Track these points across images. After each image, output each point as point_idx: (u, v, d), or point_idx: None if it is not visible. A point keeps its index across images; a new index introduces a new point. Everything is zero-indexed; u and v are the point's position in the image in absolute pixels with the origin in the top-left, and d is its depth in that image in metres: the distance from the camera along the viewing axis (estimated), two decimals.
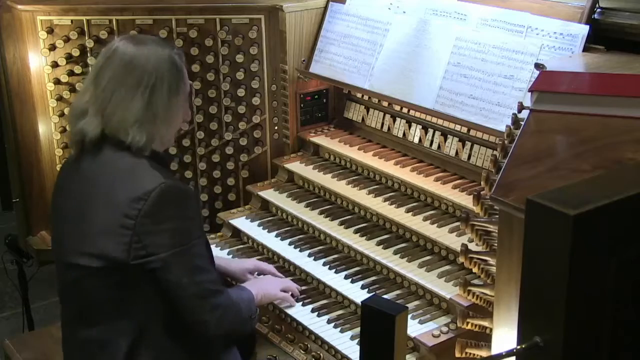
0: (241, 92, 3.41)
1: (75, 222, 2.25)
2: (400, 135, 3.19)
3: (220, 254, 3.03)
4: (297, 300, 2.72)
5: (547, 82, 2.21)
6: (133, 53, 2.23)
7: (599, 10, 2.68)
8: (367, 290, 2.66)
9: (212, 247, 3.06)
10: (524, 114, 2.11)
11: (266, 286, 2.66)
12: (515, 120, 2.17)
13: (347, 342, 2.52)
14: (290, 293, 2.71)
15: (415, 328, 2.42)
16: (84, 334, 2.29)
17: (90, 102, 2.24)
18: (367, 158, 3.16)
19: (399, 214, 2.84)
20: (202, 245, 2.32)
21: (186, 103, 2.37)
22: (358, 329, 2.35)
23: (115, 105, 2.21)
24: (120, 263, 2.17)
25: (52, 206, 2.43)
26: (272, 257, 3.01)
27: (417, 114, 3.10)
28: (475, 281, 2.16)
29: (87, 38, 3.38)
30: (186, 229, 2.23)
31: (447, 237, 2.68)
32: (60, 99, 3.45)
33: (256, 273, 2.82)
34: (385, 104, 3.25)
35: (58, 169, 3.40)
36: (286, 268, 2.93)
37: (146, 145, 2.23)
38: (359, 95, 3.38)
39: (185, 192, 2.27)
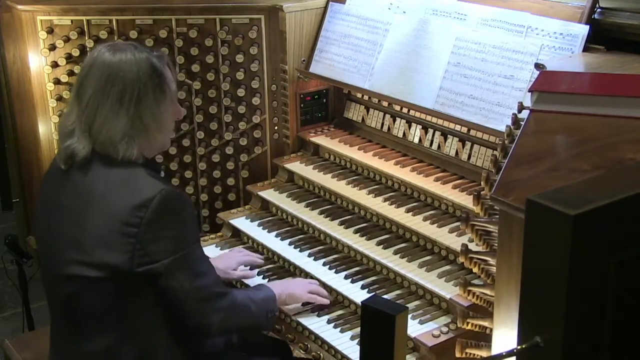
0: (241, 92, 3.41)
1: (69, 233, 2.19)
2: (400, 135, 3.19)
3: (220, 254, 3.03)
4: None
5: (547, 82, 2.21)
6: (112, 63, 2.16)
7: (599, 10, 2.68)
8: (367, 290, 2.66)
9: (212, 247, 3.10)
10: (524, 114, 2.11)
11: (293, 288, 2.63)
12: (516, 120, 2.17)
13: (347, 342, 2.51)
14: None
15: (415, 328, 2.42)
16: (84, 347, 2.24)
17: (77, 121, 2.18)
18: (367, 158, 3.16)
19: (399, 214, 2.84)
20: (201, 248, 2.30)
21: (174, 104, 2.32)
22: (358, 329, 2.35)
23: (101, 122, 2.15)
24: (123, 272, 2.13)
25: (39, 220, 2.35)
26: (272, 257, 3.00)
27: (417, 114, 3.10)
28: (475, 281, 2.16)
29: (87, 38, 3.38)
30: (186, 234, 2.21)
31: (447, 237, 2.68)
32: (60, 99, 3.45)
33: (240, 268, 2.85)
34: (385, 104, 3.25)
35: None
36: (286, 268, 2.93)
37: (138, 156, 2.20)
38: (359, 95, 3.38)
39: (183, 197, 2.28)
